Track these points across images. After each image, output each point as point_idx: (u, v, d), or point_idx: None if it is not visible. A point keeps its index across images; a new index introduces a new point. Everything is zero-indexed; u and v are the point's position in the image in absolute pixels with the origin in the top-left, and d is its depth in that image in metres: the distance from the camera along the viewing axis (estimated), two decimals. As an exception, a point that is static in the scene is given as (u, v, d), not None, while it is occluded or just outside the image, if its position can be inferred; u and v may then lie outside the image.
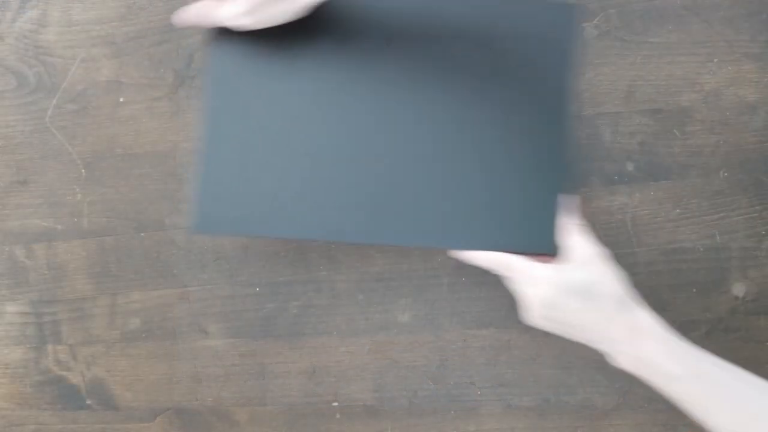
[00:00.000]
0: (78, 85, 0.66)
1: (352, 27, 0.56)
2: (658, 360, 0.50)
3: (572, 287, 0.52)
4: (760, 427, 0.48)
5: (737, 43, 0.62)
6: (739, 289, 0.65)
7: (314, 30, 0.56)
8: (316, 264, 0.65)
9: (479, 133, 0.55)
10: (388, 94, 0.56)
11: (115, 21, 0.66)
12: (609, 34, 0.63)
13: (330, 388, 0.65)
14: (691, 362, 0.50)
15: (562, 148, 0.55)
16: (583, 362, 0.64)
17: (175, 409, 0.65)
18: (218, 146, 0.56)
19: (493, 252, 0.54)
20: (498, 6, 0.55)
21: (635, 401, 0.63)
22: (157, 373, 0.65)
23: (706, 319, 0.65)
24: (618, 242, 0.65)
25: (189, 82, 0.66)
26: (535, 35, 0.55)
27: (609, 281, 0.52)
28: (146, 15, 0.65)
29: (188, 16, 0.53)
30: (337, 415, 0.65)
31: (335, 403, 0.65)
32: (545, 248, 0.54)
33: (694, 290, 0.65)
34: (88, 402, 0.65)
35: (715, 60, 0.62)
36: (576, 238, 0.54)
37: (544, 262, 0.53)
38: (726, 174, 0.65)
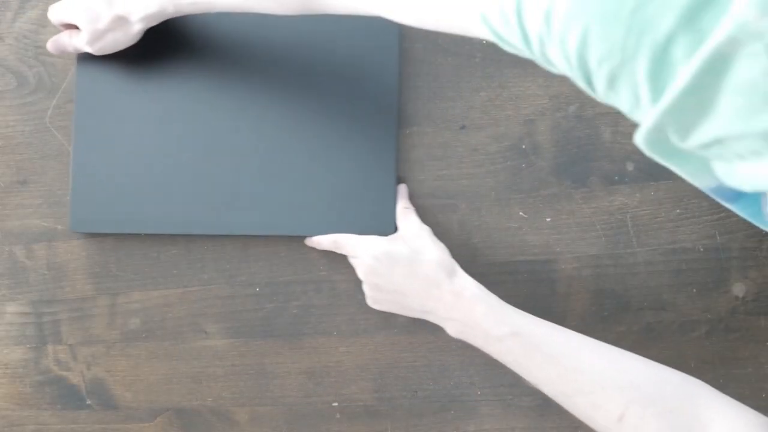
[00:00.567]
0: (78, 85, 0.66)
1: (201, 43, 0.64)
2: (481, 322, 0.53)
3: (395, 255, 0.57)
4: (573, 379, 0.50)
5: (737, 43, 0.62)
6: (739, 289, 0.65)
7: (168, 46, 0.63)
8: (316, 264, 0.65)
9: (323, 138, 0.63)
10: (238, 101, 0.63)
11: (115, 21, 0.66)
12: (609, 34, 0.63)
13: (330, 388, 0.65)
14: (510, 322, 0.53)
15: (391, 144, 0.63)
16: (583, 362, 0.64)
17: (175, 409, 0.65)
18: (87, 155, 0.63)
19: (329, 234, 0.62)
20: (333, 24, 0.63)
21: (635, 401, 0.63)
22: (157, 373, 0.65)
23: (706, 319, 0.65)
24: (618, 242, 0.65)
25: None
26: (365, 47, 0.64)
27: (430, 251, 0.57)
28: (146, 15, 0.65)
29: (50, 46, 0.61)
30: (337, 415, 0.65)
31: (335, 403, 0.65)
32: (385, 229, 0.62)
33: (694, 290, 0.65)
34: (88, 402, 0.65)
35: (715, 60, 0.62)
36: (402, 217, 0.61)
37: None
38: (726, 174, 0.65)
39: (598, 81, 0.33)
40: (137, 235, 0.64)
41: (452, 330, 0.56)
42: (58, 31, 0.63)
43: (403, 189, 0.64)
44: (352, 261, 0.61)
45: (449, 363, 0.65)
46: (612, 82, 0.33)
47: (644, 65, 0.30)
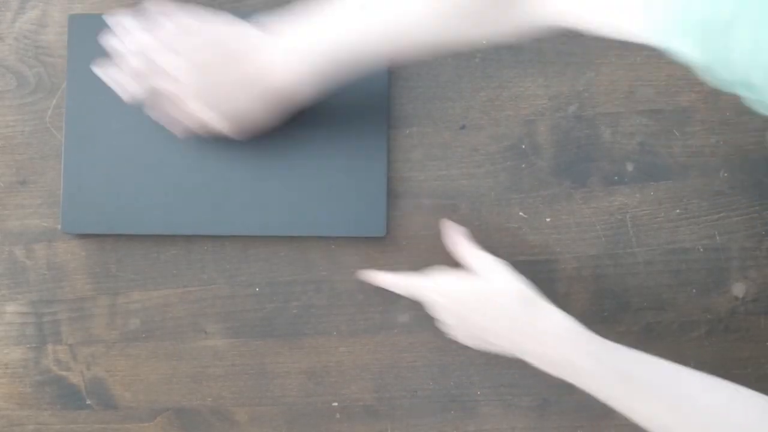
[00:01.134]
0: (78, 85, 0.66)
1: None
2: (571, 358, 0.50)
3: (477, 294, 0.54)
4: (676, 416, 0.47)
5: (737, 44, 0.62)
6: (739, 289, 0.65)
7: None
8: (316, 264, 0.65)
9: (316, 139, 0.63)
10: None
11: (115, 21, 0.66)
12: (609, 34, 0.63)
13: (330, 388, 0.65)
14: (603, 357, 0.50)
15: (382, 143, 0.63)
16: (583, 362, 0.64)
17: (175, 409, 0.65)
18: (79, 155, 0.63)
19: (401, 280, 0.59)
20: None
21: (635, 401, 0.63)
22: (157, 373, 0.65)
23: (706, 319, 0.65)
24: (618, 242, 0.65)
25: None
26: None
27: (511, 286, 0.54)
28: (146, 15, 0.65)
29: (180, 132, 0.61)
30: (337, 415, 0.65)
31: (335, 403, 0.65)
32: (375, 231, 0.63)
33: (694, 290, 0.65)
34: (88, 402, 0.65)
35: (715, 60, 0.62)
36: (474, 254, 0.57)
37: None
38: (726, 174, 0.65)
39: None
40: (137, 235, 0.64)
41: (542, 365, 0.53)
42: (57, 31, 0.63)
43: (466, 233, 0.60)
44: (433, 306, 0.58)
45: (449, 363, 0.65)
46: None
47: None
